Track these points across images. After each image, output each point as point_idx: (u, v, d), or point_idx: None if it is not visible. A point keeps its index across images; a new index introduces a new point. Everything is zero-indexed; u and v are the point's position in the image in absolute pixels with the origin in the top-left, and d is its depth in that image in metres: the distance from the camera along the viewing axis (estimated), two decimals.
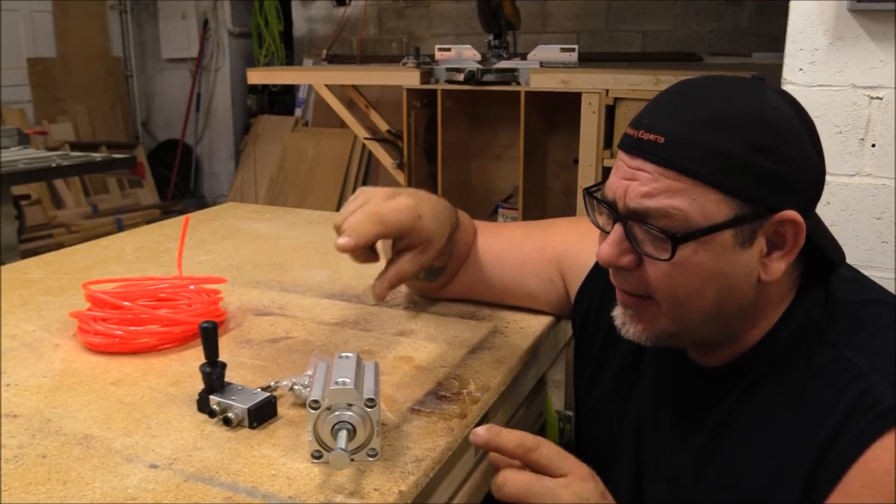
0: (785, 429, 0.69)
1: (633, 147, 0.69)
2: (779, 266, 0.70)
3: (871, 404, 0.64)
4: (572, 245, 0.96)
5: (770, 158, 0.66)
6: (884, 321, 0.70)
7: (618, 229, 0.71)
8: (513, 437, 0.69)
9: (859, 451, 0.63)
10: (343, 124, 3.76)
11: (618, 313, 0.76)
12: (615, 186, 0.71)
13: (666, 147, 0.67)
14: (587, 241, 0.93)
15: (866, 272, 0.80)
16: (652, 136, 0.68)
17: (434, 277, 0.99)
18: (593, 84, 2.71)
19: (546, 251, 0.98)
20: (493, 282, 1.01)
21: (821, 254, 0.73)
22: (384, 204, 0.84)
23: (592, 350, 0.92)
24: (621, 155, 0.71)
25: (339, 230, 0.82)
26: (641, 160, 0.68)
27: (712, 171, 0.65)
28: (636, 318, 0.74)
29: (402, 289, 1.10)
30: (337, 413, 0.63)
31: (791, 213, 0.68)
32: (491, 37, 3.14)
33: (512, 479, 0.68)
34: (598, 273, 0.91)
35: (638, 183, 0.68)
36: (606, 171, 2.50)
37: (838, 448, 0.64)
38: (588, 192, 0.76)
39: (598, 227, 0.76)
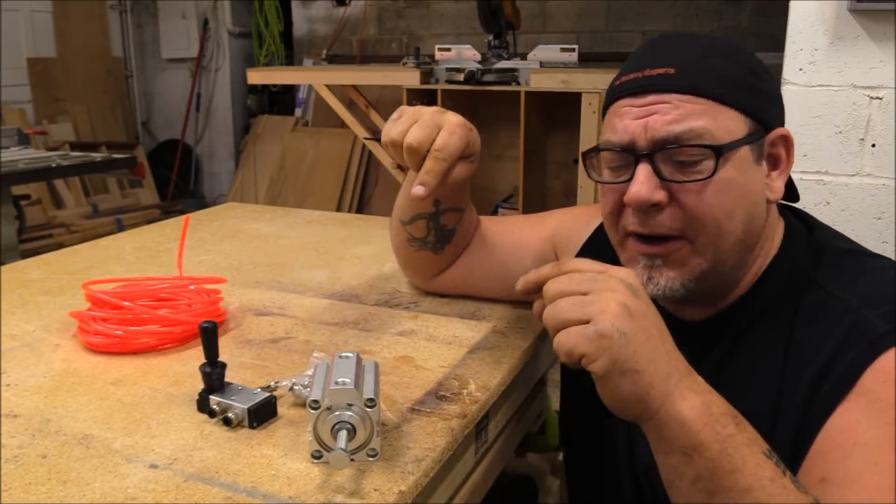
0: (777, 370, 0.70)
1: (642, 86, 0.71)
2: (779, 185, 0.75)
3: (862, 333, 0.65)
4: (566, 224, 0.98)
5: (760, 79, 0.73)
6: (872, 267, 0.73)
7: (644, 167, 0.71)
8: (546, 267, 0.67)
9: (854, 378, 0.63)
10: (343, 124, 3.76)
11: (638, 271, 0.74)
12: (630, 128, 0.71)
13: (679, 75, 0.70)
14: (581, 220, 0.97)
15: None
16: (661, 70, 0.71)
17: (442, 245, 0.99)
18: (593, 84, 2.71)
19: (542, 232, 1.00)
20: (492, 263, 1.01)
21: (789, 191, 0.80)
22: (450, 116, 0.83)
23: None
24: (625, 101, 0.73)
25: (410, 148, 0.81)
26: (655, 94, 0.70)
27: (725, 91, 0.70)
28: (667, 266, 0.73)
29: (403, 288, 1.11)
30: (337, 413, 0.63)
31: (783, 130, 0.75)
32: (491, 37, 3.14)
33: (556, 305, 0.63)
34: (590, 248, 0.93)
35: (658, 115, 0.70)
36: None
37: (833, 378, 0.65)
38: (588, 152, 0.77)
39: (602, 181, 0.76)
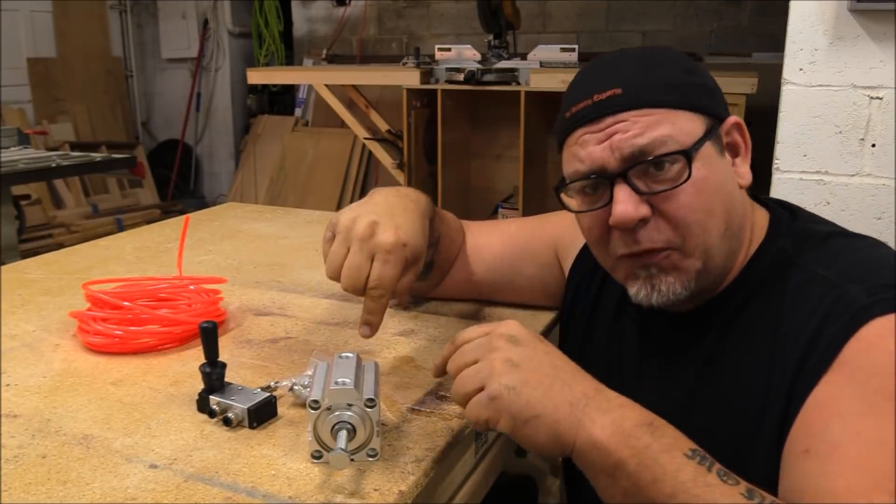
0: (765, 350, 0.71)
1: (595, 111, 0.73)
2: (745, 169, 0.78)
3: (845, 306, 0.66)
4: (568, 228, 0.98)
5: (699, 77, 0.76)
6: (854, 247, 0.75)
7: (622, 187, 0.72)
8: (445, 348, 0.71)
9: (837, 350, 0.64)
10: (343, 124, 3.76)
11: (638, 286, 0.76)
12: (595, 155, 0.73)
13: (627, 93, 0.72)
14: None
15: None
16: (609, 92, 0.73)
17: (425, 275, 0.99)
18: None
19: (543, 237, 1.00)
20: (492, 275, 1.01)
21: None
22: (381, 238, 0.77)
23: (578, 328, 0.94)
24: (581, 131, 0.74)
25: (350, 288, 0.78)
26: (610, 117, 0.72)
27: (673, 96, 0.73)
28: (664, 272, 0.74)
29: None
30: (337, 413, 0.63)
31: (734, 117, 0.77)
32: (491, 37, 3.14)
33: (456, 383, 0.67)
34: (587, 253, 0.93)
35: (620, 133, 0.72)
36: None
37: (816, 352, 0.65)
38: (559, 187, 0.78)
39: (578, 211, 0.78)
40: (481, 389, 0.64)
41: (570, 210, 0.79)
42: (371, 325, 0.79)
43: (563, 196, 0.79)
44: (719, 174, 0.74)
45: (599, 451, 0.61)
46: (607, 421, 0.62)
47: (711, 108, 0.75)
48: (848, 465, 0.58)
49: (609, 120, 0.72)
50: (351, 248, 0.78)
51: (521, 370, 0.64)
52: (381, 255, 0.77)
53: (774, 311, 0.72)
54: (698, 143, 0.72)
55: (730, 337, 0.76)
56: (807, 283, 0.71)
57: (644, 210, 0.72)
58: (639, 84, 0.73)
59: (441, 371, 0.72)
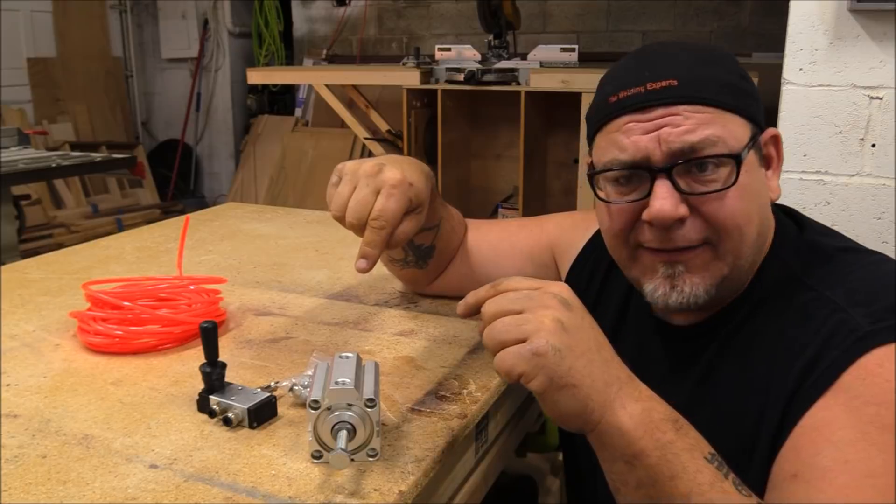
0: (765, 367, 0.70)
1: (646, 100, 0.70)
2: (775, 183, 0.77)
3: (847, 332, 0.65)
4: (566, 231, 0.98)
5: (748, 83, 0.74)
6: (860, 264, 0.73)
7: (663, 183, 0.70)
8: (482, 288, 0.68)
9: (836, 375, 0.63)
10: (343, 124, 3.76)
11: (658, 282, 0.74)
12: (640, 143, 0.70)
13: (683, 86, 0.70)
14: (580, 227, 0.97)
15: None
16: (664, 83, 0.70)
17: (424, 262, 0.99)
18: (593, 84, 2.68)
19: (541, 238, 1.00)
20: (489, 270, 1.01)
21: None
22: (388, 174, 0.79)
23: None
24: (629, 117, 0.71)
25: (351, 226, 0.79)
26: (663, 107, 0.69)
27: (727, 97, 0.70)
28: (689, 272, 0.72)
29: (402, 288, 1.11)
30: (337, 413, 0.63)
31: (773, 129, 0.76)
32: (491, 37, 3.14)
33: (493, 326, 0.64)
34: (586, 256, 0.93)
35: (670, 127, 0.69)
36: None
37: (815, 374, 0.65)
38: (597, 172, 0.75)
39: (612, 202, 0.74)
40: (522, 341, 0.61)
41: (599, 198, 0.76)
42: (368, 258, 0.77)
43: (596, 178, 0.76)
44: (758, 183, 0.73)
45: (623, 437, 0.61)
46: (637, 409, 0.61)
47: (757, 116, 0.74)
48: (834, 495, 0.58)
49: (660, 111, 0.69)
50: (358, 185, 0.79)
51: (570, 335, 0.61)
52: (386, 189, 0.78)
53: (777, 329, 0.71)
54: (746, 149, 0.70)
55: (730, 352, 0.75)
56: (811, 304, 0.70)
57: (683, 210, 0.70)
58: (696, 79, 0.70)
59: (473, 310, 0.68)
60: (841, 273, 0.72)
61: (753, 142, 0.72)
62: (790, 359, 0.68)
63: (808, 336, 0.67)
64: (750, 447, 0.69)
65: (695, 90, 0.69)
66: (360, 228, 0.78)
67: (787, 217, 0.81)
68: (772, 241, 0.77)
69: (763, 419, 0.68)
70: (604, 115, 0.74)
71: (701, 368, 0.77)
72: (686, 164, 0.69)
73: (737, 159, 0.69)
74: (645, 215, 0.71)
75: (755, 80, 0.78)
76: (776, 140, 0.77)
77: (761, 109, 0.75)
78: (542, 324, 0.61)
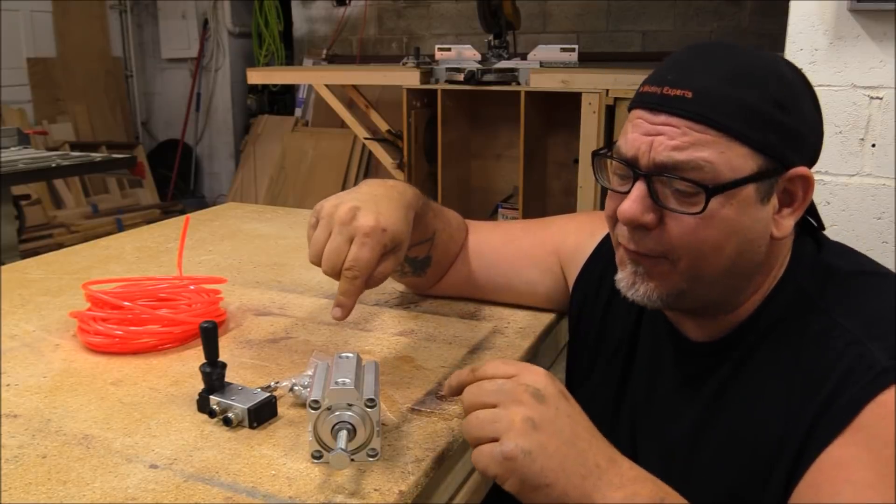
0: (780, 396, 0.69)
1: (658, 103, 0.70)
2: (789, 223, 0.72)
3: (866, 368, 0.64)
4: (571, 236, 0.97)
5: (788, 114, 0.69)
6: (877, 290, 0.71)
7: (640, 187, 0.70)
8: (464, 371, 0.67)
9: (855, 412, 0.63)
10: (343, 124, 3.76)
11: (625, 275, 0.75)
12: (637, 143, 0.70)
13: (695, 101, 0.68)
14: (585, 231, 0.96)
15: None
16: (679, 92, 0.68)
17: (422, 271, 0.99)
18: (593, 84, 2.71)
19: (545, 242, 0.99)
20: (492, 274, 1.01)
21: (812, 216, 0.77)
22: (361, 221, 0.78)
23: (587, 341, 0.93)
24: (641, 113, 0.71)
25: (326, 273, 0.79)
26: (667, 115, 0.69)
27: (740, 124, 0.67)
28: (647, 276, 0.73)
29: (403, 288, 1.11)
30: (337, 413, 0.63)
31: (803, 169, 0.70)
32: (491, 37, 3.14)
33: (468, 421, 0.63)
34: (596, 262, 0.92)
35: (665, 137, 0.68)
36: None
37: (834, 411, 0.64)
38: (598, 153, 0.76)
39: (608, 187, 0.75)
40: (495, 440, 0.61)
41: (597, 179, 0.77)
42: (343, 307, 0.78)
43: (597, 161, 0.76)
44: (747, 220, 0.69)
45: None
46: (618, 497, 0.60)
47: (781, 151, 0.69)
48: None
49: (664, 118, 0.69)
50: (332, 233, 0.79)
51: (540, 433, 0.61)
52: (359, 238, 0.78)
53: (792, 356, 0.70)
54: (734, 183, 0.67)
55: (744, 374, 0.74)
56: (827, 333, 0.68)
57: (648, 217, 0.70)
58: (713, 96, 0.67)
59: (455, 392, 0.68)
60: (857, 299, 0.70)
61: (759, 177, 0.68)
62: (806, 391, 0.67)
63: (824, 369, 0.66)
64: (766, 475, 0.68)
65: (704, 108, 0.67)
66: (335, 275, 0.79)
67: (806, 235, 0.78)
68: (787, 262, 0.75)
69: (781, 448, 0.67)
70: (633, 99, 0.75)
71: (714, 387, 0.75)
72: (665, 177, 0.69)
73: (708, 192, 0.67)
74: (617, 211, 0.72)
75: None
76: (806, 182, 0.71)
77: (796, 145, 0.70)
78: (513, 424, 0.61)
